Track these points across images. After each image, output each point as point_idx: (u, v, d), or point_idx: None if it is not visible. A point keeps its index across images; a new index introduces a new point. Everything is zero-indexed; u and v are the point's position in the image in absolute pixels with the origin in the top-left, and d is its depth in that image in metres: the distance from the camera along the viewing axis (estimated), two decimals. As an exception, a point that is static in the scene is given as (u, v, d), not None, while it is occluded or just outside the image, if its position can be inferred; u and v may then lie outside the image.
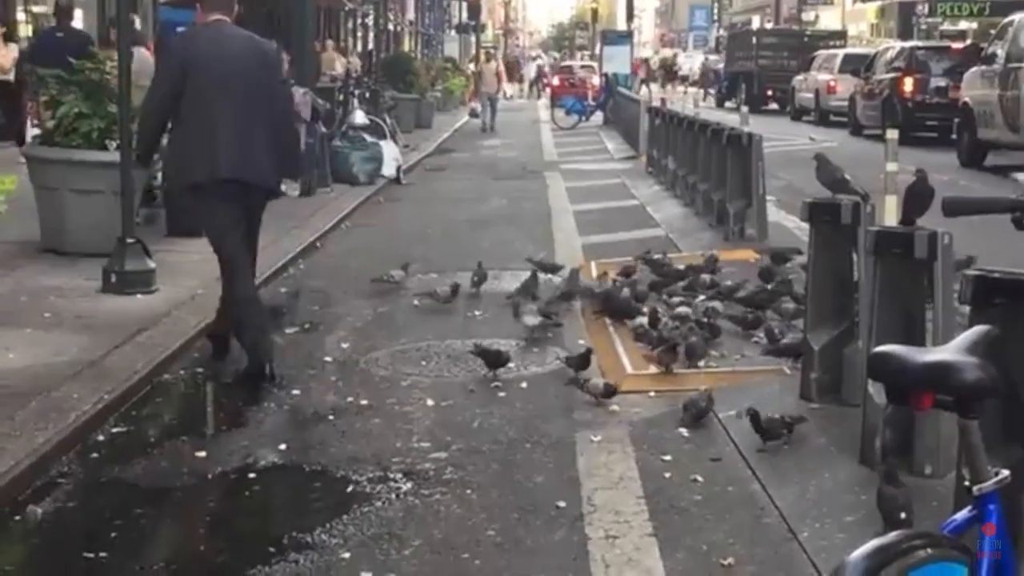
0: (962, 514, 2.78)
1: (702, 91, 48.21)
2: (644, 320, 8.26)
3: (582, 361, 7.26)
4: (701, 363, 7.48)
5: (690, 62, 68.94)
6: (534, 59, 75.32)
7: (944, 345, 2.88)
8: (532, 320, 8.44)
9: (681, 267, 10.14)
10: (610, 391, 6.79)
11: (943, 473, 5.19)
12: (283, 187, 7.87)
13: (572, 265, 10.34)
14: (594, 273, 10.55)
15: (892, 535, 2.68)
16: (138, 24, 15.05)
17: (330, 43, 30.88)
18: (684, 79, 59.85)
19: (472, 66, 40.52)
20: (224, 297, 7.56)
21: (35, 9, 21.01)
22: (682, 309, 8.52)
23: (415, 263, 11.00)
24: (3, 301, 8.60)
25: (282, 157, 7.50)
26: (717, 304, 8.56)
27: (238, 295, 7.39)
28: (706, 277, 9.53)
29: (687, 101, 24.65)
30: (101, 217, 9.91)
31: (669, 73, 62.70)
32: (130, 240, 9.08)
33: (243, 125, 7.16)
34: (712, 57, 62.90)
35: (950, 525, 2.77)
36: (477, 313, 9.30)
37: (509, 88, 54.66)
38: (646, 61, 62.94)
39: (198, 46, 7.40)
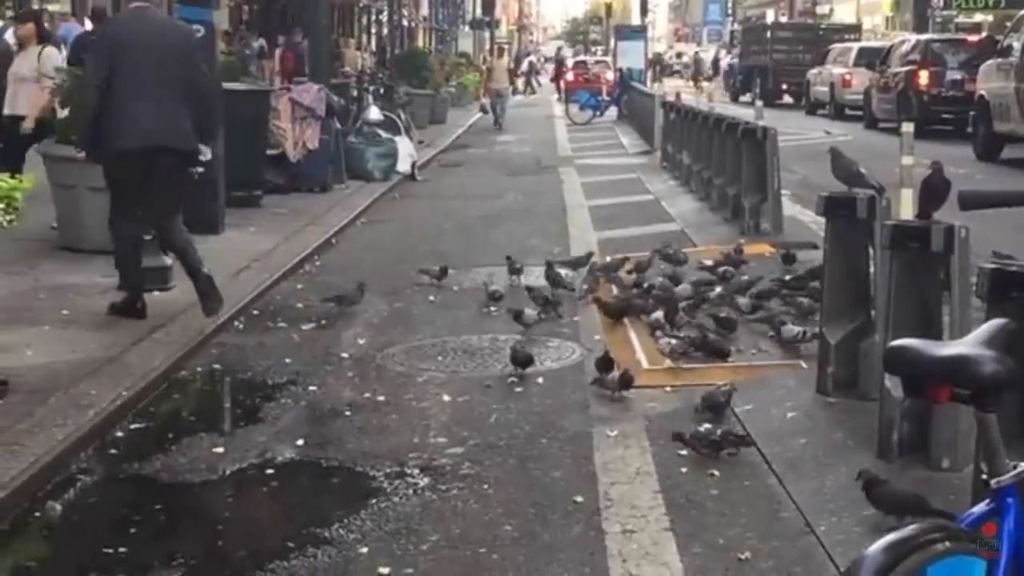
0: (980, 507, 2.78)
1: (692, 82, 48.10)
2: (660, 315, 8.26)
3: (605, 364, 7.17)
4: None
5: (707, 56, 68.96)
6: (527, 55, 74.79)
7: (961, 339, 2.88)
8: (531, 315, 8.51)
9: (709, 262, 10.07)
10: (626, 381, 6.76)
11: (960, 467, 5.19)
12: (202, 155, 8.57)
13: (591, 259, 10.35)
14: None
15: (910, 528, 2.68)
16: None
17: (352, 41, 30.89)
18: (676, 73, 60.07)
19: (487, 59, 39.45)
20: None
21: (51, 8, 21.06)
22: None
23: (430, 259, 11.04)
24: (21, 298, 8.64)
25: (199, 125, 8.36)
26: (743, 300, 8.49)
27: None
28: (731, 270, 9.52)
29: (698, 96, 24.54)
30: (118, 214, 9.93)
31: (662, 68, 63.09)
32: (146, 237, 9.08)
33: (159, 97, 8.08)
34: (703, 48, 63.09)
35: (968, 518, 2.77)
36: (492, 309, 9.30)
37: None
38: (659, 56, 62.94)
39: (120, 31, 8.51)
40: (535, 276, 10.31)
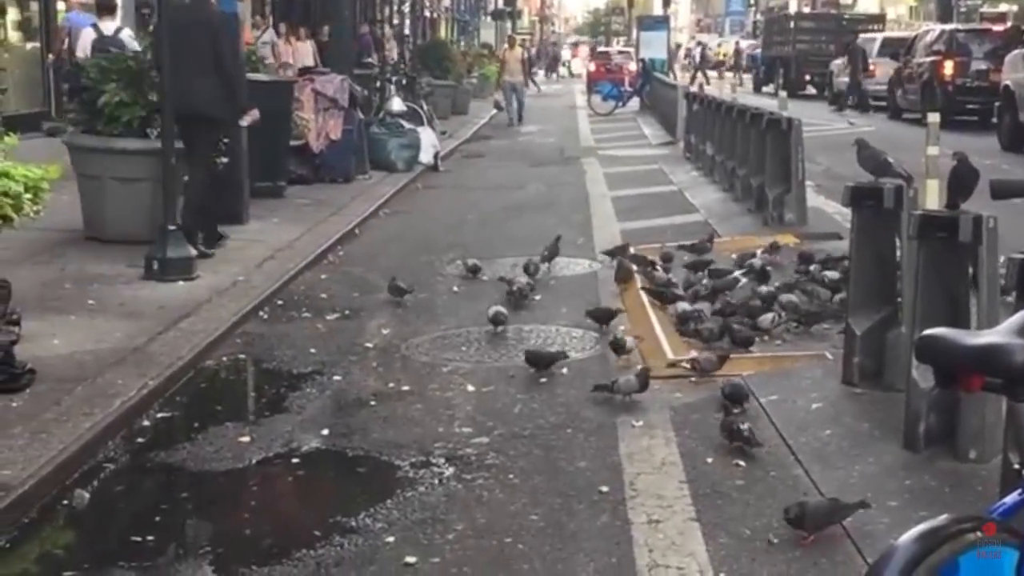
0: (1012, 497, 2.77)
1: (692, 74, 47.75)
2: (686, 305, 8.25)
3: (606, 316, 7.29)
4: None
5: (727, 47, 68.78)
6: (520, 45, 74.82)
7: (994, 328, 2.86)
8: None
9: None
10: (644, 381, 6.65)
11: (988, 457, 5.17)
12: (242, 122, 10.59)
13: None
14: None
15: (941, 519, 2.67)
16: None
17: (389, 31, 30.70)
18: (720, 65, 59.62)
19: (501, 51, 37.10)
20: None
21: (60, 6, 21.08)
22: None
23: (454, 250, 11.07)
24: (47, 289, 8.67)
25: (226, 94, 10.07)
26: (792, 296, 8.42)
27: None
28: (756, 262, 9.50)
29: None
30: (142, 205, 10.00)
31: (703, 60, 62.53)
32: (171, 227, 9.13)
33: (187, 72, 9.60)
34: (703, 37, 62.64)
35: (999, 508, 2.76)
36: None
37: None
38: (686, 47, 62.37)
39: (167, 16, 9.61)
40: (560, 267, 10.34)
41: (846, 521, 4.85)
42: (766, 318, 7.78)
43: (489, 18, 65.11)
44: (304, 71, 18.41)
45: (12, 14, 20.24)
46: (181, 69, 9.40)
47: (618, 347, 7.44)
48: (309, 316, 8.78)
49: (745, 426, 5.81)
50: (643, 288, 9.14)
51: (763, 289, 8.50)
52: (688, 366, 7.09)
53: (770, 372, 7.01)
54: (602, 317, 8.25)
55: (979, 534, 2.62)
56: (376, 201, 14.38)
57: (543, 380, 7.11)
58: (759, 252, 9.96)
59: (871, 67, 32.46)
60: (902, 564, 2.53)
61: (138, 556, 4.78)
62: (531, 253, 10.60)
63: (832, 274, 8.66)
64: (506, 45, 34.78)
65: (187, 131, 9.77)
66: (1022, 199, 3.73)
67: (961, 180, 6.04)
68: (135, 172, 10.17)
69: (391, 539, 4.86)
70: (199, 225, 10.00)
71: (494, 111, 30.81)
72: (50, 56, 18.97)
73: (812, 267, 9.18)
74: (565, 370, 7.32)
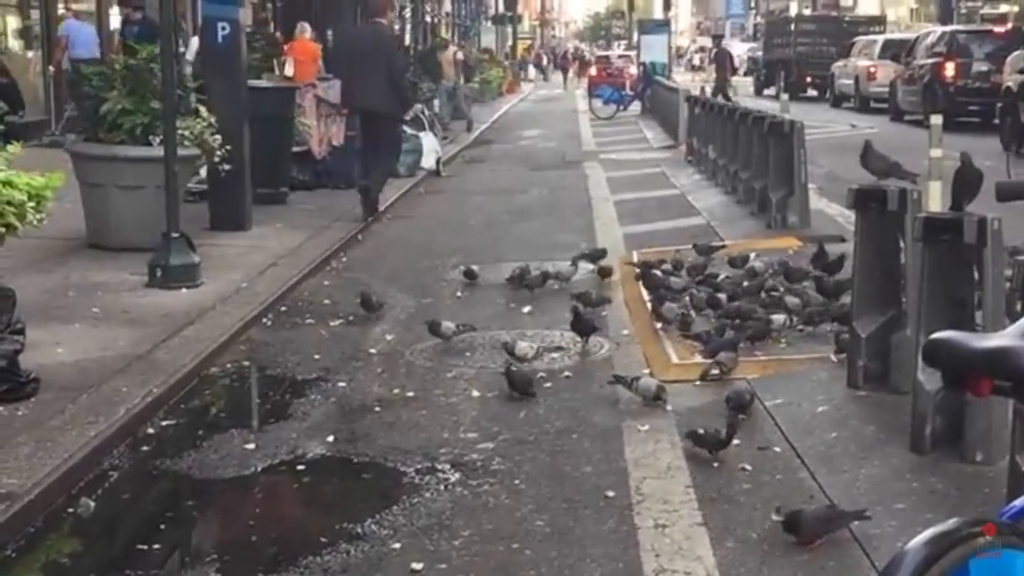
0: (1021, 500, 2.76)
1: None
2: (676, 307, 8.25)
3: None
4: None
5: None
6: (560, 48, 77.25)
7: (1003, 331, 2.85)
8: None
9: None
10: (659, 394, 6.58)
11: (995, 460, 5.16)
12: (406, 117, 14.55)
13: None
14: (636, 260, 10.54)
15: (951, 522, 2.66)
16: None
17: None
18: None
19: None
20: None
21: (75, 7, 21.14)
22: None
23: (457, 254, 11.06)
24: (51, 296, 8.67)
25: (394, 95, 13.22)
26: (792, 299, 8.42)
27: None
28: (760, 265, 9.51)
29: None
30: (146, 212, 9.99)
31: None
32: (175, 235, 9.14)
33: (364, 76, 12.93)
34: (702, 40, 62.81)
35: (1009, 511, 2.74)
36: (524, 307, 9.29)
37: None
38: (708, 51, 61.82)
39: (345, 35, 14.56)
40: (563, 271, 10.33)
41: (853, 524, 4.83)
42: (779, 319, 7.74)
43: (490, 23, 65.15)
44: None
45: (12, 23, 20.30)
46: (360, 76, 12.93)
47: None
48: (313, 322, 8.78)
49: (712, 429, 5.81)
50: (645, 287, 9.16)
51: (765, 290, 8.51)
52: (716, 372, 7.03)
53: (775, 375, 7.00)
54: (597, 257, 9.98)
55: (989, 538, 2.61)
56: (379, 206, 14.34)
57: (547, 385, 7.10)
58: (752, 255, 9.94)
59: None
60: (912, 569, 2.52)
61: (144, 564, 4.78)
62: (534, 257, 10.62)
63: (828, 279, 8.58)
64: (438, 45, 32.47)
65: (368, 123, 13.43)
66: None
67: (965, 181, 6.03)
68: (138, 180, 10.16)
69: (397, 545, 4.86)
70: (379, 190, 13.55)
71: (505, 107, 30.24)
72: (51, 68, 19.03)
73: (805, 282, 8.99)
74: (569, 373, 7.32)
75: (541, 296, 9.43)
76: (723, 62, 35.98)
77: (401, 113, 14.08)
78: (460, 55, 32.58)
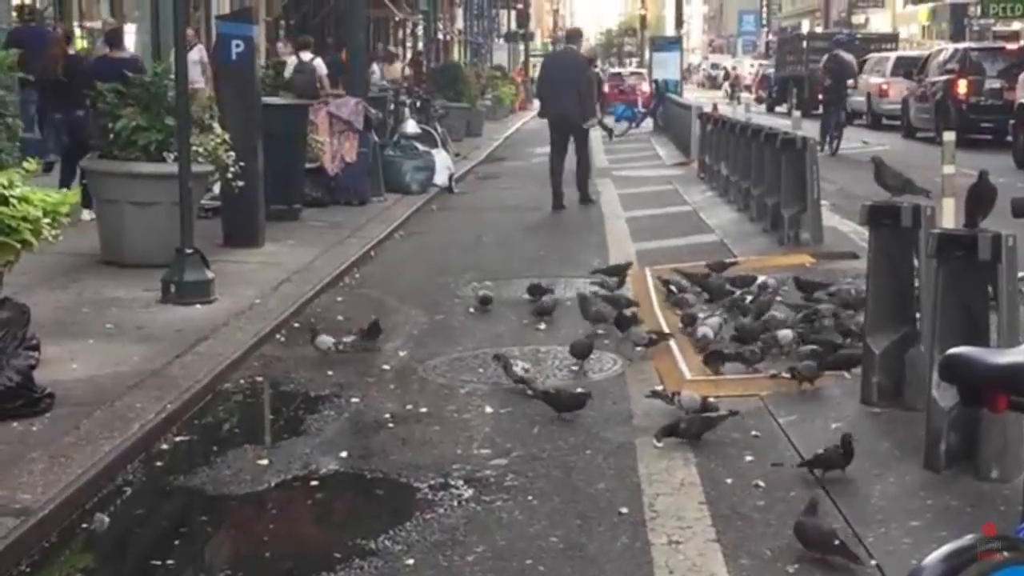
0: (1037, 517, 2.75)
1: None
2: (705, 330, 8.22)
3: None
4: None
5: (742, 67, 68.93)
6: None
7: (1019, 347, 2.86)
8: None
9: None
10: (706, 407, 6.54)
11: (1010, 476, 5.15)
12: (585, 125, 16.72)
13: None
14: (648, 279, 10.53)
15: (967, 538, 2.66)
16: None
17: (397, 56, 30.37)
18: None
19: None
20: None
21: (89, 24, 21.25)
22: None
23: (470, 271, 11.06)
24: (66, 312, 8.69)
25: (582, 108, 16.52)
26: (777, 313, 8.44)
27: (555, 167, 16.84)
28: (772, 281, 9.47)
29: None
30: (160, 228, 10.02)
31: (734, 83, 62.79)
32: (188, 251, 9.16)
33: (559, 90, 16.45)
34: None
35: (1025, 528, 2.74)
36: (538, 322, 9.29)
37: None
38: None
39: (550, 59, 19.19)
40: (577, 288, 10.34)
41: (868, 541, 4.83)
42: (785, 335, 7.75)
43: (502, 40, 65.28)
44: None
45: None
46: (556, 92, 16.50)
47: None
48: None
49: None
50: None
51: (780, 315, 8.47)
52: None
53: (788, 392, 6.98)
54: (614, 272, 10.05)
55: (1006, 554, 2.60)
56: (391, 223, 14.40)
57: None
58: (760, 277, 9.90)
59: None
60: (929, 584, 2.52)
61: (158, 580, 4.78)
62: (547, 274, 10.62)
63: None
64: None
65: (561, 132, 16.74)
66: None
67: (980, 198, 6.04)
68: (152, 196, 10.20)
69: (411, 561, 4.85)
70: (587, 184, 17.17)
71: (516, 126, 29.80)
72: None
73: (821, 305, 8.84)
74: (582, 390, 7.31)
75: (555, 313, 9.42)
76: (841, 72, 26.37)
77: (583, 121, 16.67)
78: (405, 70, 31.45)
